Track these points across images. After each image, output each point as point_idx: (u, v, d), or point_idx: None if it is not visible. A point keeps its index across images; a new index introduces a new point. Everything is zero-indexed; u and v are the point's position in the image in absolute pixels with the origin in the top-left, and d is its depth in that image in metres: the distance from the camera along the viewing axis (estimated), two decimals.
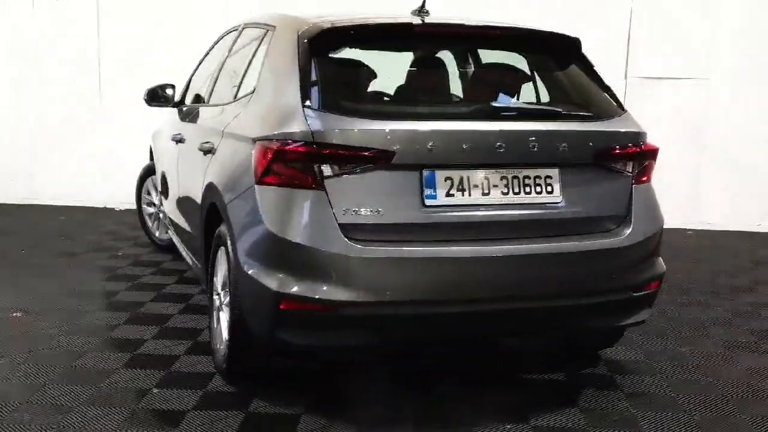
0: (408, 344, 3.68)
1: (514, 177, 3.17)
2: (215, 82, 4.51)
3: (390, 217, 3.03)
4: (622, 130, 3.38)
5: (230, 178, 3.41)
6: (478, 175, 3.13)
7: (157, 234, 6.21)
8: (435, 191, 3.08)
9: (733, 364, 3.98)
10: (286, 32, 3.52)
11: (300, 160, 3.02)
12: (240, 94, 3.83)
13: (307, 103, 3.11)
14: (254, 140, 3.21)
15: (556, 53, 3.65)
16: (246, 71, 3.91)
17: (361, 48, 3.60)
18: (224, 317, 3.51)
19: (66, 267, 5.64)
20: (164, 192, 5.34)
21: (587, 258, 3.22)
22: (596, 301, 3.28)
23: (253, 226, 3.13)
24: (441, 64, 3.87)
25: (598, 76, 3.61)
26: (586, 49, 3.63)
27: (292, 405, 3.29)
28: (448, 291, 3.05)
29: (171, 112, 5.44)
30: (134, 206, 6.45)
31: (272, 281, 3.03)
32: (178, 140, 4.67)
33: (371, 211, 3.01)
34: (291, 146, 3.02)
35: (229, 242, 3.31)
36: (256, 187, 3.13)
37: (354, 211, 3.00)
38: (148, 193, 6.22)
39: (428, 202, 3.07)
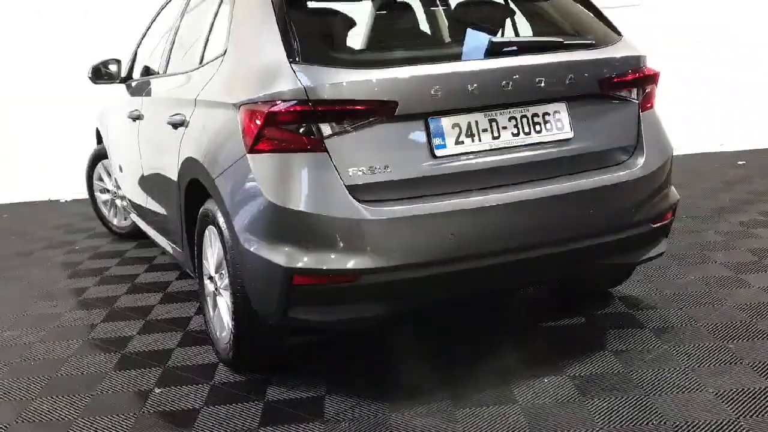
0: (428, 306, 3.44)
1: (523, 116, 2.95)
2: (171, 50, 4.15)
3: (399, 172, 2.79)
4: (625, 55, 3.18)
5: (213, 150, 3.10)
6: (486, 118, 2.90)
7: (115, 222, 5.84)
8: (444, 140, 2.84)
9: (745, 286, 3.88)
10: None
11: (295, 121, 2.74)
12: (207, 58, 3.50)
13: (293, 57, 2.82)
14: (237, 106, 2.91)
15: None
16: (209, 33, 3.60)
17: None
18: (223, 302, 3.23)
19: (24, 267, 5.24)
20: (123, 175, 4.97)
21: (607, 193, 3.03)
22: (619, 237, 3.11)
23: (250, 200, 2.85)
24: (409, 5, 3.62)
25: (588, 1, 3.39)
26: None
27: (313, 387, 3.05)
28: (472, 245, 2.83)
29: (118, 89, 5.05)
30: (83, 196, 6.09)
31: (280, 256, 2.76)
32: (136, 117, 4.30)
33: (378, 168, 2.76)
34: (283, 107, 2.74)
35: (222, 220, 3.02)
36: (248, 156, 2.83)
37: (361, 170, 2.75)
38: (100, 179, 5.83)
39: (438, 152, 2.83)
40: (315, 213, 2.72)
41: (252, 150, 2.82)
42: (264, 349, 3.18)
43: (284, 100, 2.74)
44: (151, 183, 4.17)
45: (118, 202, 5.71)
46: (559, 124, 3.00)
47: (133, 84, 4.71)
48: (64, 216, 6.89)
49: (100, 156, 5.77)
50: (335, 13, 3.28)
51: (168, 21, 4.55)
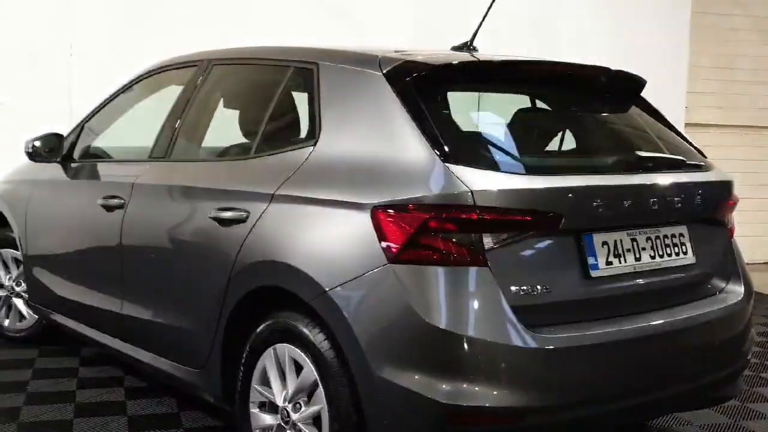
0: None
1: (657, 237, 2.78)
2: (174, 133, 3.54)
3: (557, 293, 2.49)
4: (726, 179, 3.12)
5: (320, 256, 2.59)
6: (629, 237, 2.69)
7: (6, 323, 4.85)
8: (596, 259, 2.60)
9: None
10: (357, 70, 2.83)
11: (456, 230, 2.36)
12: (271, 147, 3.04)
13: (443, 156, 2.45)
14: (369, 207, 2.46)
15: (623, 95, 3.29)
16: (267, 119, 3.11)
17: (461, 89, 2.97)
18: None
19: None
20: (62, 271, 4.13)
21: (726, 322, 2.91)
22: (730, 369, 2.96)
23: (392, 319, 2.39)
24: (560, 106, 3.29)
25: (669, 122, 3.33)
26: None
27: None
28: (632, 378, 2.58)
29: (49, 168, 4.28)
30: None
31: (435, 390, 2.31)
32: (116, 206, 3.59)
33: (539, 288, 2.44)
34: (444, 213, 2.34)
35: (321, 340, 2.57)
36: (391, 267, 2.39)
37: (523, 290, 2.41)
38: None
39: (593, 273, 2.55)
40: (480, 338, 2.33)
41: (397, 260, 2.38)
42: None
43: (443, 205, 2.35)
44: (145, 285, 3.46)
45: (16, 300, 4.78)
46: (684, 248, 2.86)
47: (98, 166, 3.99)
48: None
49: None
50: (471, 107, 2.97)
51: (156, 98, 3.96)
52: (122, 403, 3.81)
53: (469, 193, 2.36)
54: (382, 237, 2.42)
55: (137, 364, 3.63)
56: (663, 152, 3.06)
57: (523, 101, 3.14)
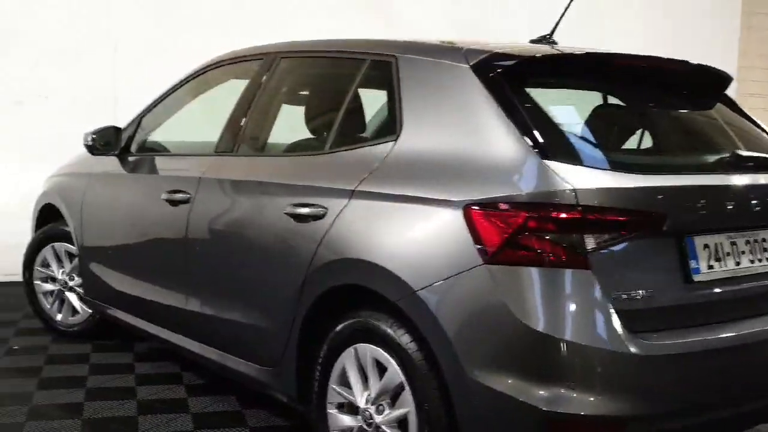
0: None
1: (755, 240, 2.67)
2: (241, 127, 3.48)
3: (660, 298, 2.40)
4: None
5: (408, 254, 2.51)
6: (728, 240, 2.59)
7: (59, 317, 4.82)
8: (698, 263, 2.50)
9: None
10: (440, 62, 2.74)
11: (558, 229, 2.27)
12: (346, 143, 2.99)
13: (541, 152, 2.36)
14: (461, 205, 2.38)
15: (709, 91, 3.17)
16: (343, 113, 3.04)
17: (550, 83, 2.87)
18: None
19: None
20: (122, 265, 4.08)
21: None
22: None
23: (488, 322, 2.31)
24: (650, 102, 3.12)
25: (755, 120, 3.21)
26: None
27: None
28: (732, 387, 2.49)
29: (105, 162, 4.23)
30: None
31: (534, 395, 2.22)
32: (181, 201, 3.53)
33: (642, 292, 2.34)
34: (547, 212, 2.25)
35: (406, 342, 2.50)
36: (486, 267, 2.30)
37: (626, 294, 2.31)
38: (45, 266, 4.82)
39: (695, 277, 2.46)
40: (583, 343, 2.24)
41: (494, 260, 2.29)
42: None
43: (544, 204, 2.26)
44: (212, 281, 3.40)
45: (69, 294, 4.74)
46: None
47: (161, 160, 3.94)
48: None
49: (51, 238, 4.79)
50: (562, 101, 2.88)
51: (214, 93, 3.91)
52: (184, 399, 3.76)
53: (572, 192, 2.26)
54: (476, 236, 2.33)
55: (201, 361, 3.57)
56: (759, 151, 2.95)
57: (610, 96, 3.04)
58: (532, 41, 3.18)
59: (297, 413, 3.33)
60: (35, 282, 4.85)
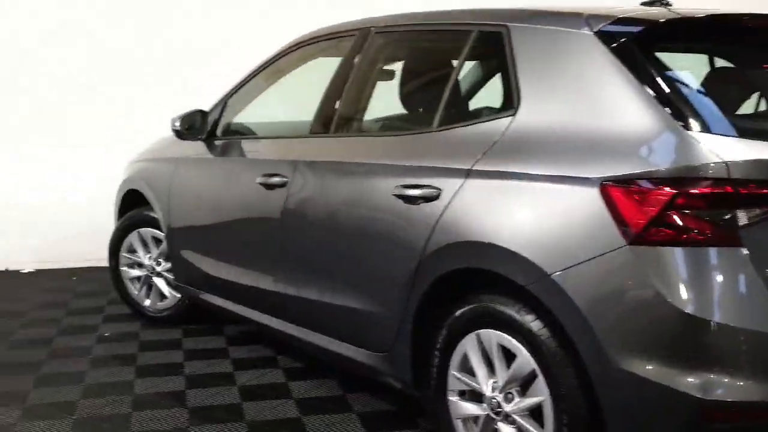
0: None
1: None
2: (336, 106, 3.37)
3: None
4: None
5: (538, 236, 2.38)
6: None
7: (147, 303, 4.82)
8: None
9: None
10: (559, 30, 2.59)
11: (709, 206, 2.12)
12: (457, 119, 2.87)
13: (681, 123, 2.20)
14: (598, 182, 2.24)
15: None
16: (451, 89, 2.91)
17: (680, 48, 2.71)
18: (510, 430, 2.48)
19: (61, 362, 4.09)
20: (214, 251, 4.03)
21: None
22: None
23: (635, 307, 2.19)
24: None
25: None
26: None
27: None
28: None
29: (192, 146, 4.18)
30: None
31: (686, 383, 2.09)
32: (278, 185, 3.45)
33: None
34: (696, 188, 2.10)
35: (537, 327, 2.40)
36: (630, 249, 2.17)
37: None
38: (131, 252, 4.81)
39: None
40: (740, 327, 2.09)
41: (639, 240, 2.15)
42: None
43: (692, 179, 2.11)
44: (314, 266, 3.32)
45: (156, 280, 4.73)
46: None
47: (251, 143, 3.87)
48: (40, 291, 5.56)
49: (137, 223, 4.78)
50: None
51: (302, 72, 3.82)
52: (284, 384, 3.72)
53: (724, 165, 2.11)
54: (618, 216, 2.20)
55: (300, 345, 3.51)
56: None
57: (741, 60, 2.85)
58: (644, 3, 3.00)
59: (403, 397, 3.25)
60: (122, 268, 4.85)
